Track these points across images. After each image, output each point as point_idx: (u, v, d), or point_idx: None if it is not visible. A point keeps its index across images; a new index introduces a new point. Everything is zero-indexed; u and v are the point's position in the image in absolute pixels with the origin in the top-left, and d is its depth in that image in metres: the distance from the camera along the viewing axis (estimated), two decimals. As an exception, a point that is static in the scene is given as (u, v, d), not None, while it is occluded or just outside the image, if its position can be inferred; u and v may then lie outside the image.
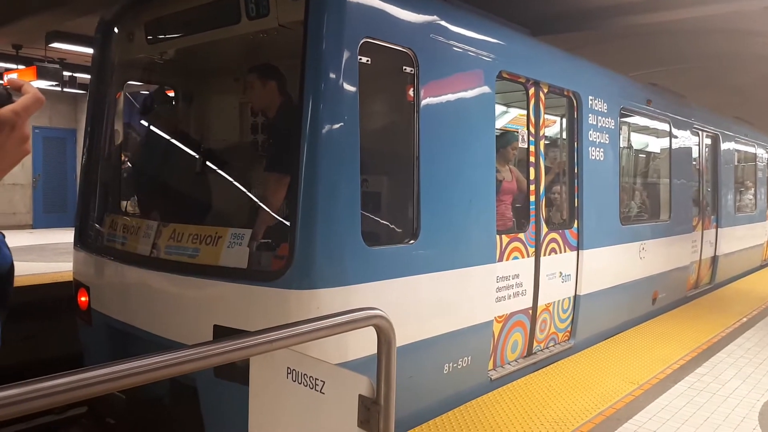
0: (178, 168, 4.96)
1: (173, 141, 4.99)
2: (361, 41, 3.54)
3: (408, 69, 3.89)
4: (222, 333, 3.33)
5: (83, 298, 4.66)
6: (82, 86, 12.55)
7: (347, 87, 3.44)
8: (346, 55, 3.44)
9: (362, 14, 3.61)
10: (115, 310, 4.31)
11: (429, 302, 4.02)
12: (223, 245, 3.69)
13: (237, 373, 3.07)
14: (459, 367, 4.28)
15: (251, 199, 4.27)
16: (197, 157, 4.87)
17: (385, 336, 1.92)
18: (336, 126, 3.41)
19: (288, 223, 3.45)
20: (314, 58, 3.36)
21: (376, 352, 1.97)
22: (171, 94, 5.40)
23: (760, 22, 9.66)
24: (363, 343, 3.11)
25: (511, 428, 3.87)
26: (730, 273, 10.05)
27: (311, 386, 1.94)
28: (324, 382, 1.93)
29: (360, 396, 1.88)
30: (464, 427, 3.87)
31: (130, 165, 5.41)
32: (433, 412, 4.01)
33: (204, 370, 2.68)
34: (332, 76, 3.38)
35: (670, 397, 4.53)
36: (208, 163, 4.79)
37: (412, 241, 3.88)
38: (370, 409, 1.88)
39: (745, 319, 7.12)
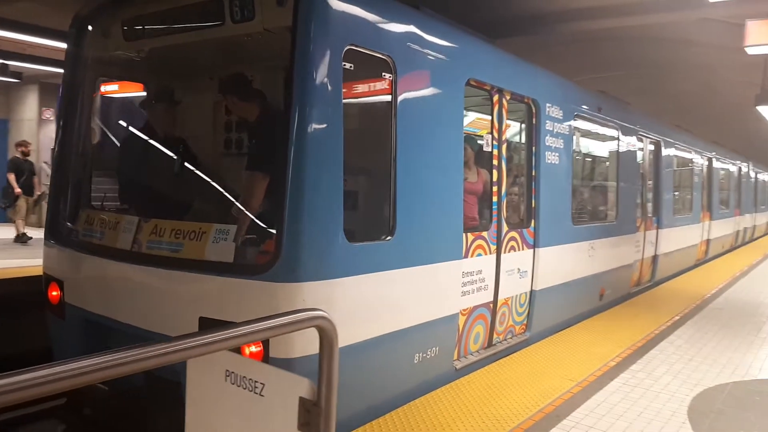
0: (157, 165, 4.95)
1: (152, 138, 4.96)
2: (346, 48, 3.71)
3: (387, 75, 4.09)
4: (208, 324, 3.41)
5: (54, 293, 4.64)
6: (15, 74, 11.93)
7: (332, 91, 3.61)
8: (331, 61, 3.60)
9: (347, 22, 3.79)
10: (93, 303, 4.31)
11: (403, 295, 4.22)
12: (208, 240, 3.77)
13: None
14: (428, 357, 4.49)
15: (233, 196, 4.32)
16: (177, 155, 4.88)
17: (327, 337, 1.90)
18: (321, 128, 3.56)
19: (274, 220, 3.55)
20: (302, 64, 3.50)
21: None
22: (149, 91, 5.39)
23: (697, 32, 10.11)
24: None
25: (453, 428, 3.91)
26: (668, 271, 10.60)
27: (250, 389, 1.90)
28: (264, 385, 1.89)
29: (300, 398, 1.85)
30: (407, 427, 3.89)
31: (107, 161, 5.35)
32: (403, 400, 4.20)
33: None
34: (318, 81, 3.53)
35: (606, 394, 4.68)
36: (187, 161, 4.85)
37: (388, 238, 4.07)
38: (310, 412, 1.85)
39: (677, 317, 7.44)
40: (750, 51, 5.66)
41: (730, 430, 4.11)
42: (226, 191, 4.50)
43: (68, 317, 4.55)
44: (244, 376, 1.93)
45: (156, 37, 4.65)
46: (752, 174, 20.88)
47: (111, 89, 5.54)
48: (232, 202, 4.25)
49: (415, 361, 4.39)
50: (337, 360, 1.91)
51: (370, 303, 3.93)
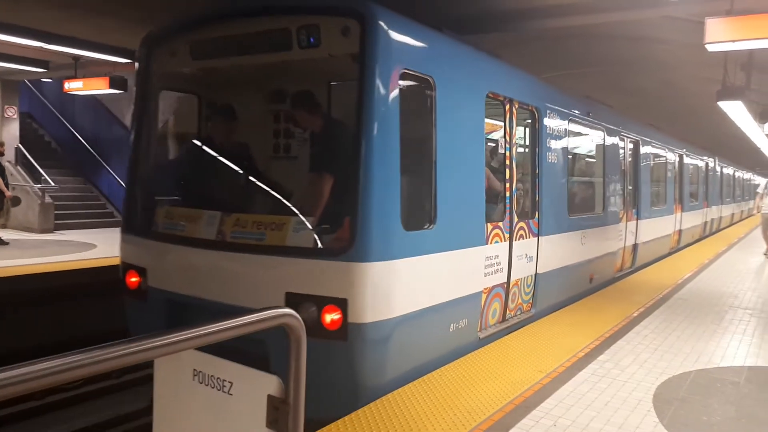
0: (233, 168, 5.71)
1: (228, 145, 5.74)
2: (401, 71, 4.49)
3: (429, 91, 4.84)
4: (293, 299, 4.25)
5: (133, 279, 5.31)
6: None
7: (392, 106, 4.38)
8: (391, 82, 4.37)
9: (402, 50, 4.56)
10: (178, 285, 4.97)
11: (442, 274, 5.01)
12: (289, 230, 4.54)
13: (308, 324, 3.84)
14: (460, 327, 5.30)
15: (306, 194, 5.13)
16: (251, 159, 5.80)
17: (295, 335, 1.91)
18: (385, 138, 4.32)
19: (348, 213, 4.31)
20: (369, 84, 4.26)
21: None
22: (218, 104, 6.04)
23: (661, 30, 10.33)
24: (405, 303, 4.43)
25: (426, 422, 3.95)
26: (646, 258, 11.36)
27: (218, 388, 1.90)
28: (232, 383, 1.90)
29: (269, 396, 1.86)
30: (380, 423, 3.91)
31: (184, 164, 6.04)
32: (442, 362, 4.99)
33: (274, 330, 3.32)
34: (382, 98, 4.30)
35: (575, 384, 4.78)
36: (261, 164, 5.87)
37: (431, 227, 4.84)
38: (279, 409, 1.86)
39: (643, 309, 7.62)
40: (710, 48, 5.81)
41: (693, 417, 4.23)
42: (299, 190, 5.37)
43: (150, 299, 5.19)
44: (213, 375, 1.93)
45: (223, 58, 5.25)
46: (718, 169, 21.76)
47: (180, 101, 6.26)
48: (307, 198, 4.99)
49: (451, 330, 5.19)
50: (304, 357, 1.92)
51: (419, 280, 4.72)
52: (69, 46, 9.48)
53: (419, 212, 4.88)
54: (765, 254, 13.10)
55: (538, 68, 15.47)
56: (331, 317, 4.21)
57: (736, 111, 10.11)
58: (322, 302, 4.24)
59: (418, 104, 4.88)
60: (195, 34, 5.22)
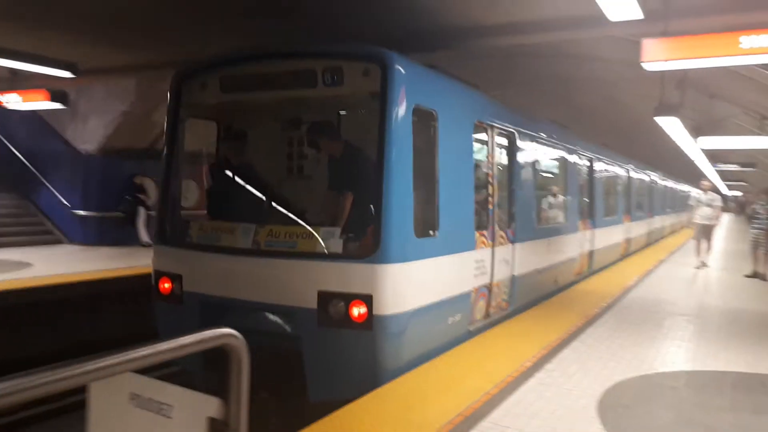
0: (261, 186, 6.65)
1: (257, 166, 6.67)
2: (413, 106, 5.35)
3: (432, 122, 5.72)
4: (325, 296, 5.05)
5: (166, 285, 5.90)
6: None
7: (406, 136, 5.24)
8: (406, 115, 5.25)
9: (414, 89, 5.38)
10: (214, 288, 5.60)
11: (444, 275, 5.87)
12: (318, 239, 5.32)
13: (333, 322, 4.99)
14: (456, 320, 6.15)
15: (329, 209, 5.91)
16: (278, 179, 6.85)
17: (236, 355, 1.87)
18: (402, 162, 5.16)
19: (372, 224, 5.15)
20: (389, 117, 5.09)
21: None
22: (245, 131, 6.71)
23: (603, 49, 10.76)
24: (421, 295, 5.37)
25: (376, 436, 3.94)
26: (601, 264, 12.32)
27: (156, 411, 1.84)
28: (171, 406, 1.85)
29: (209, 419, 1.82)
30: (330, 437, 3.88)
31: (220, 183, 6.65)
32: (443, 349, 5.81)
33: (306, 321, 5.03)
34: (399, 129, 5.15)
35: (523, 393, 4.86)
36: (287, 183, 6.90)
37: (435, 234, 5.71)
38: (220, 432, 1.82)
39: (589, 317, 7.84)
40: (646, 67, 6.08)
41: (635, 423, 4.37)
42: (323, 205, 6.16)
43: (186, 302, 5.79)
44: (150, 398, 1.87)
45: (251, 92, 5.97)
46: (659, 182, 23.09)
47: (208, 127, 6.90)
48: (332, 212, 5.76)
49: (449, 323, 6.04)
50: (246, 378, 1.89)
51: (426, 280, 5.55)
52: (10, 59, 9.10)
53: (426, 221, 5.66)
54: (697, 267, 13.23)
55: (487, 85, 15.85)
56: (358, 311, 4.99)
57: (672, 126, 10.58)
58: (350, 298, 5.00)
59: (425, 133, 5.70)
60: (226, 70, 5.98)
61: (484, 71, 14.26)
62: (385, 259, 4.99)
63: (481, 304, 6.78)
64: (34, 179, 14.55)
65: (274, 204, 6.64)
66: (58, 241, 13.89)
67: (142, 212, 13.38)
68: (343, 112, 6.68)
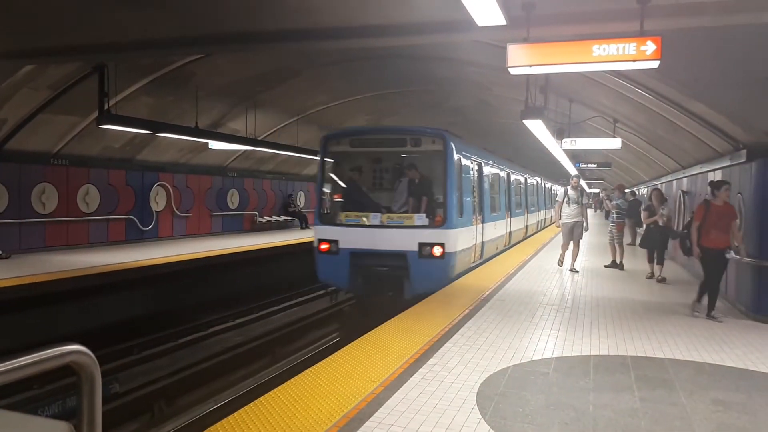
0: (381, 194, 12.10)
1: (373, 183, 12.54)
2: (458, 157, 11.19)
3: (464, 162, 11.72)
4: (422, 245, 10.31)
5: (324, 246, 10.85)
6: None
7: (457, 170, 11.00)
8: (457, 162, 11.07)
9: (457, 148, 11.08)
10: (359, 244, 10.59)
11: (466, 236, 11.55)
12: (415, 219, 10.58)
13: (425, 256, 10.27)
14: (469, 258, 11.95)
15: (421, 205, 10.96)
16: (387, 190, 12.24)
17: (86, 373, 1.68)
18: (453, 183, 10.75)
19: (443, 211, 10.64)
20: (448, 163, 10.71)
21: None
22: (367, 166, 12.39)
23: (473, 53, 11.26)
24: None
25: (257, 446, 3.80)
26: (489, 254, 14.51)
27: (-5, 443, 1.61)
28: (14, 436, 1.62)
29: (57, 446, 1.62)
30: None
31: (355, 193, 11.77)
32: (466, 272, 11.82)
33: (412, 257, 10.32)
34: (454, 168, 10.87)
35: (406, 390, 4.93)
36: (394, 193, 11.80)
37: (463, 216, 11.21)
38: (70, 460, 1.63)
39: (467, 311, 8.16)
40: (512, 71, 6.40)
41: (511, 409, 4.58)
42: (414, 204, 11.06)
43: (341, 253, 10.67)
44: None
45: (369, 148, 11.76)
46: (535, 182, 25.86)
47: (342, 165, 12.14)
48: (419, 206, 10.91)
49: (467, 259, 11.68)
50: (99, 398, 1.71)
51: (461, 238, 11.07)
52: None
53: (460, 210, 10.98)
54: (570, 270, 12.70)
55: (360, 88, 16.03)
56: (439, 250, 10.20)
57: (537, 128, 11.31)
58: (434, 244, 10.19)
59: (459, 168, 11.24)
60: (355, 136, 11.74)
61: (361, 72, 14.40)
62: (449, 226, 10.42)
63: (475, 252, 12.43)
64: None
65: (387, 203, 11.59)
66: None
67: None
68: (421, 158, 11.68)
